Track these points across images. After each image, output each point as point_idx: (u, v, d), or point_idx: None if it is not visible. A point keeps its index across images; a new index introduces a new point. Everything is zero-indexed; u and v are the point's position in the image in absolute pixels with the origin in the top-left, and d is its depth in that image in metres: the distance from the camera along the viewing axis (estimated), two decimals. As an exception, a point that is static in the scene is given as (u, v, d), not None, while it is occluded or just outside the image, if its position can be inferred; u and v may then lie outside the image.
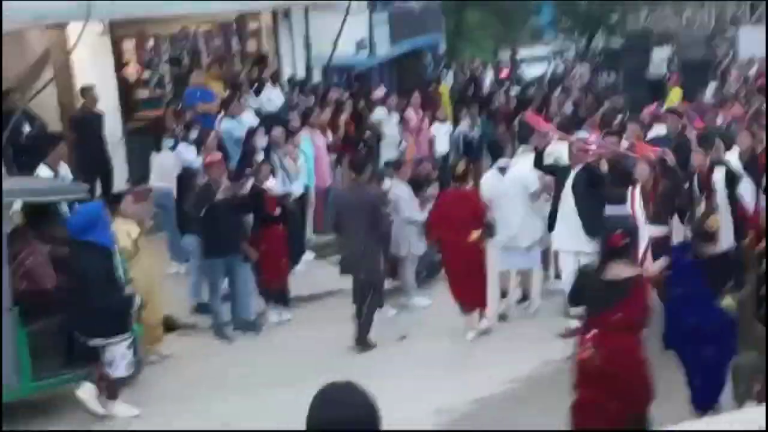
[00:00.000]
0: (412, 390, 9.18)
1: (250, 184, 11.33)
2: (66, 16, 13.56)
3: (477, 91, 22.30)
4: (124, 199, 10.08)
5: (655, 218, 9.71)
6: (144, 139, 14.32)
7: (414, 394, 9.06)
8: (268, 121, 14.36)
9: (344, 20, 18.36)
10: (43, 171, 10.81)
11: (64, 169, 11.19)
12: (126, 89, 15.92)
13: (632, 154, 10.50)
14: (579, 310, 8.30)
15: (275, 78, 17.24)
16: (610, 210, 10.03)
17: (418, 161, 14.82)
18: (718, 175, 9.67)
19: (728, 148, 10.62)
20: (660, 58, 25.41)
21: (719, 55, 25.52)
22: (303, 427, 3.29)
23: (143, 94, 16.47)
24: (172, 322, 11.02)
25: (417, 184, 12.37)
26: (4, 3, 11.75)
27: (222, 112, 14.30)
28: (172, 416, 8.81)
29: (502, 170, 11.45)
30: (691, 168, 9.77)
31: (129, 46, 16.71)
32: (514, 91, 22.77)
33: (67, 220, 8.98)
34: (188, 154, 12.48)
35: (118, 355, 8.62)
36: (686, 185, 9.72)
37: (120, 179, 14.16)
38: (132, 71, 16.46)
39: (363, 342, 10.60)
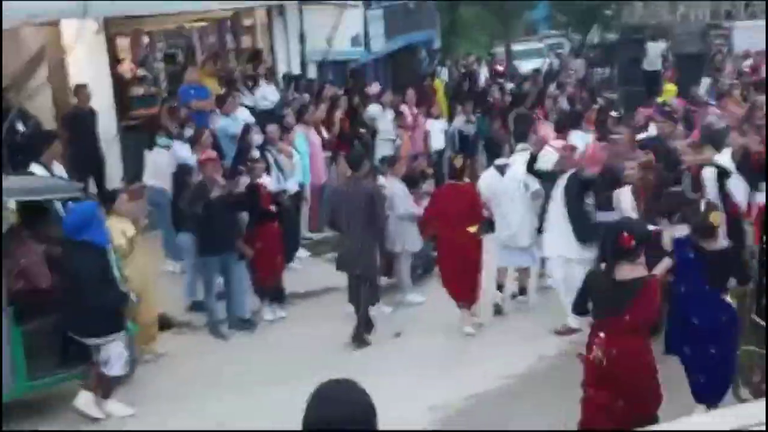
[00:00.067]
0: (407, 387, 9.18)
1: (244, 181, 11.32)
2: (62, 14, 13.55)
3: (472, 87, 22.32)
4: (119, 197, 10.06)
5: (645, 219, 9.75)
6: (139, 137, 14.30)
7: (409, 391, 9.07)
8: (263, 118, 14.36)
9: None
10: (36, 169, 10.79)
11: (58, 168, 11.17)
12: (121, 87, 15.89)
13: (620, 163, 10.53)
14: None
15: (270, 74, 17.22)
16: (600, 216, 10.11)
17: (413, 157, 14.83)
18: (709, 174, 9.74)
19: (720, 147, 10.69)
20: (655, 52, 25.40)
21: (714, 49, 25.55)
22: (299, 425, 3.29)
23: (138, 91, 16.44)
24: (167, 320, 11.01)
25: (412, 181, 12.38)
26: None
27: (216, 110, 14.27)
28: (167, 415, 8.80)
29: (501, 169, 11.45)
30: (679, 168, 9.85)
31: (124, 43, 16.70)
32: (509, 86, 22.79)
33: (61, 219, 8.97)
34: (183, 151, 12.46)
35: (114, 354, 8.61)
36: (677, 185, 9.81)
37: (115, 177, 14.16)
38: (127, 69, 16.45)
39: (360, 338, 10.60)
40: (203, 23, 18.64)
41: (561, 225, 10.23)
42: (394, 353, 10.43)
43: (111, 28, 15.49)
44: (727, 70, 23.21)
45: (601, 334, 6.89)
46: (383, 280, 11.78)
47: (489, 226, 11.37)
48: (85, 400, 8.72)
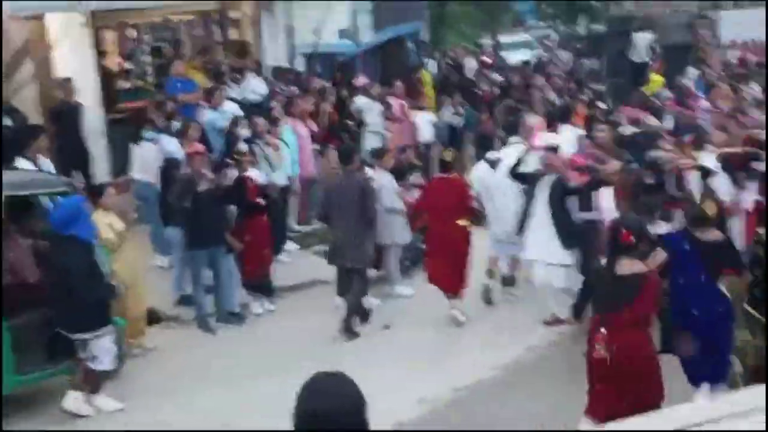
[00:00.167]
0: (396, 379, 9.19)
1: (232, 174, 11.30)
2: (49, 7, 13.48)
3: (460, 78, 22.30)
4: (106, 191, 10.02)
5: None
6: (126, 131, 14.26)
7: (398, 383, 9.08)
8: (251, 111, 14.32)
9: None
10: (23, 164, 10.74)
11: (45, 162, 11.12)
12: (107, 80, 15.83)
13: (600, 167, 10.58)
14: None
15: (258, 67, 17.17)
16: (580, 216, 10.22)
17: (401, 149, 14.81)
18: (693, 173, 9.85)
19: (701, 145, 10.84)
20: (642, 43, 25.40)
21: (701, 40, 25.56)
22: (288, 418, 3.28)
23: (124, 85, 16.38)
24: (156, 314, 11.01)
25: (400, 173, 12.37)
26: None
27: (204, 103, 14.22)
28: (156, 409, 8.80)
29: (493, 163, 11.45)
30: (660, 166, 9.99)
31: (110, 36, 16.63)
32: (497, 78, 22.78)
33: (48, 214, 8.93)
34: (170, 145, 12.42)
35: (102, 349, 8.59)
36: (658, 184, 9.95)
37: (101, 171, 14.11)
38: (113, 62, 16.37)
39: (350, 330, 10.61)
40: (190, 16, 18.56)
41: (545, 229, 10.26)
42: (383, 345, 10.44)
43: (97, 22, 15.41)
44: (714, 61, 23.21)
45: (603, 330, 6.98)
46: (371, 273, 11.77)
47: (479, 218, 11.38)
48: (73, 399, 8.68)
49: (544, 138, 11.24)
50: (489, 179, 11.35)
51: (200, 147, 11.40)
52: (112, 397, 8.89)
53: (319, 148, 14.84)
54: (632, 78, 22.47)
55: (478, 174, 11.60)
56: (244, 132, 13.05)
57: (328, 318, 10.83)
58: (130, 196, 10.45)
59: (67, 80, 13.95)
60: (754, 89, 17.33)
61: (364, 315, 10.91)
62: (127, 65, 16.57)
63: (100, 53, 15.87)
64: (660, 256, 7.77)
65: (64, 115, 13.86)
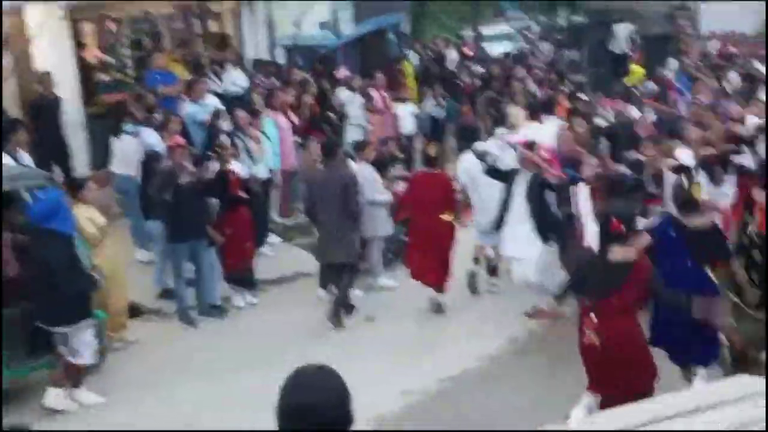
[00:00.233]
0: (380, 371, 9.19)
1: (214, 167, 11.25)
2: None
3: (441, 70, 22.29)
4: (87, 185, 9.96)
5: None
6: (106, 124, 14.18)
7: (381, 375, 9.08)
8: (232, 103, 14.25)
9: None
10: (2, 158, 10.65)
11: (24, 156, 11.04)
12: (86, 73, 15.72)
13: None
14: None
15: (238, 60, 17.10)
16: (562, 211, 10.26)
17: (383, 141, 14.78)
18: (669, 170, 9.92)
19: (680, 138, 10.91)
20: (623, 34, 25.43)
21: (681, 30, 25.63)
22: (271, 412, 3.27)
23: (104, 77, 16.26)
24: (137, 308, 10.96)
25: (381, 165, 12.34)
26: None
27: (184, 96, 14.15)
28: (137, 403, 8.77)
29: (479, 155, 11.45)
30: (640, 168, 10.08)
31: (89, 29, 16.50)
32: (478, 69, 22.77)
33: (27, 207, 8.87)
34: (151, 138, 12.34)
35: (83, 343, 8.55)
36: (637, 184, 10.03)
37: (82, 164, 14.02)
38: (92, 55, 16.26)
39: (338, 318, 10.61)
40: (170, 9, 18.44)
41: (523, 225, 10.28)
42: (366, 338, 10.44)
43: (76, 14, 15.30)
44: (693, 52, 23.28)
45: (592, 316, 7.09)
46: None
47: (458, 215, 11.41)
48: (54, 396, 8.63)
49: (529, 129, 11.25)
50: (475, 170, 11.34)
51: (181, 140, 11.34)
52: (94, 391, 8.85)
53: (300, 141, 14.78)
54: (613, 69, 22.50)
55: (465, 165, 11.61)
56: (225, 125, 12.99)
57: (310, 311, 10.81)
58: (110, 190, 10.37)
59: (47, 74, 13.85)
60: (733, 80, 17.41)
61: (349, 308, 10.90)
62: (107, 58, 16.44)
63: (80, 46, 15.77)
64: (644, 239, 7.82)
65: (43, 109, 13.76)
